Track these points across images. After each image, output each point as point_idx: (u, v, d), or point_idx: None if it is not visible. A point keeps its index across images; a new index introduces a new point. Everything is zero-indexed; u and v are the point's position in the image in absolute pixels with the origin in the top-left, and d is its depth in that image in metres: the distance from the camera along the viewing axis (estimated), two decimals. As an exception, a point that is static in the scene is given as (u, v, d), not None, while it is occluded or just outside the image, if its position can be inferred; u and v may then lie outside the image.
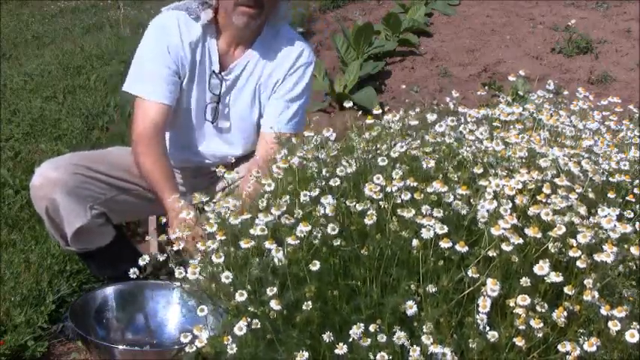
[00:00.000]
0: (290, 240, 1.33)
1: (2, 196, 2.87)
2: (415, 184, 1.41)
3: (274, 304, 1.29)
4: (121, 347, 1.93)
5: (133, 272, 1.54)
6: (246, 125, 2.14)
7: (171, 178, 2.01)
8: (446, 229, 1.32)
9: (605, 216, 1.37)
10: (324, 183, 1.48)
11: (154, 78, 2.03)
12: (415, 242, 1.32)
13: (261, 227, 1.37)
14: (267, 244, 1.34)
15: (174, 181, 2.02)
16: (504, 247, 1.29)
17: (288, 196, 1.46)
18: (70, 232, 2.03)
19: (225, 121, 2.13)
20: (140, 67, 2.07)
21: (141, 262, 1.50)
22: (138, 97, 2.05)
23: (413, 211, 1.34)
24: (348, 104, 1.95)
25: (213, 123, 2.12)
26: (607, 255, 1.28)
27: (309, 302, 1.30)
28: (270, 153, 1.84)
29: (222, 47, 2.08)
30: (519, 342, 1.25)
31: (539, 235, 1.31)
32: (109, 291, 2.11)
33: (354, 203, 1.40)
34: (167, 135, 2.13)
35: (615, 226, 1.35)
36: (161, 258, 1.54)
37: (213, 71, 2.07)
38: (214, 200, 1.54)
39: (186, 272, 1.41)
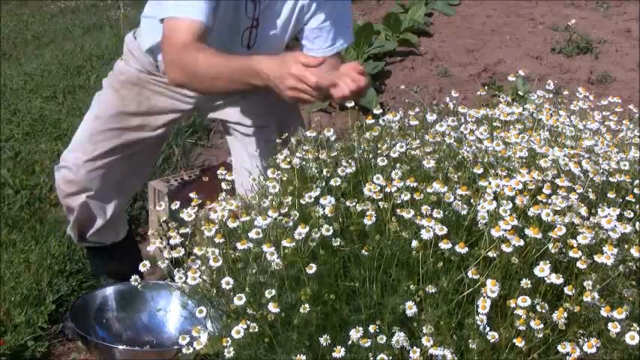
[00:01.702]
0: (285, 243, 1.33)
1: (2, 196, 2.88)
2: (415, 184, 1.41)
3: (272, 307, 1.29)
4: (121, 347, 1.93)
5: (134, 279, 1.54)
6: (277, 49, 2.00)
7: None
8: (445, 230, 1.32)
9: (606, 216, 1.37)
10: (324, 184, 1.48)
11: None
12: (415, 243, 1.32)
13: (257, 230, 1.37)
14: (265, 248, 1.34)
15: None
16: (504, 248, 1.28)
17: (290, 198, 1.46)
18: (95, 228, 2.07)
19: (258, 45, 1.96)
20: None
21: (142, 268, 1.49)
22: (168, 19, 1.76)
23: (412, 212, 1.34)
24: (349, 104, 1.94)
25: (249, 49, 1.94)
26: (607, 257, 1.28)
27: (307, 305, 1.29)
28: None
29: None
30: (519, 343, 1.25)
31: (539, 236, 1.31)
32: (109, 291, 2.11)
33: (354, 203, 1.40)
34: None
35: (615, 226, 1.35)
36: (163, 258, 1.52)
37: None
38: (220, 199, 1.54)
39: (186, 276, 1.41)
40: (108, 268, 2.27)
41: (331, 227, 1.35)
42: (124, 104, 2.02)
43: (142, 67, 2.02)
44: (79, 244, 2.18)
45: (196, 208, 1.52)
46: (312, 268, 1.31)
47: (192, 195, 1.56)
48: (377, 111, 1.72)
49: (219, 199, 1.54)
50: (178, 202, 1.58)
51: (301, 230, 1.34)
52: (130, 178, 2.12)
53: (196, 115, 2.99)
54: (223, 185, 1.59)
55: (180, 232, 1.49)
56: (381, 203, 1.39)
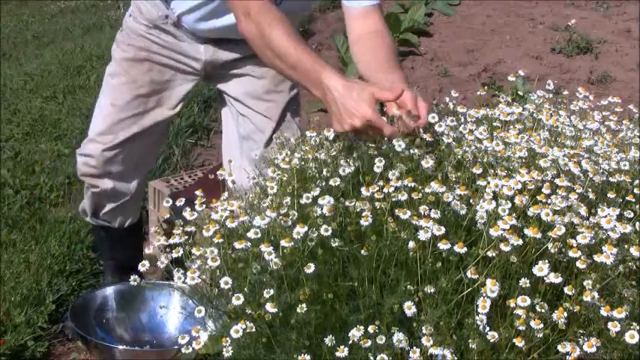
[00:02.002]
0: (284, 242, 1.33)
1: (2, 196, 2.88)
2: (413, 184, 1.41)
3: (270, 307, 1.29)
4: (121, 347, 1.94)
5: (133, 279, 1.54)
6: (302, 4, 1.98)
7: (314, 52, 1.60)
8: (443, 230, 1.31)
9: (605, 216, 1.37)
10: (323, 183, 1.48)
11: None
12: (411, 244, 1.31)
13: (255, 230, 1.37)
14: (263, 247, 1.34)
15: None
16: (503, 247, 1.28)
17: (288, 198, 1.46)
18: (117, 204, 2.13)
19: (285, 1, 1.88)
20: None
21: (141, 268, 1.49)
22: None
23: (409, 213, 1.33)
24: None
25: (279, 5, 1.81)
26: (607, 257, 1.28)
27: (304, 305, 1.29)
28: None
29: None
30: (519, 343, 1.25)
31: (538, 236, 1.31)
32: (109, 291, 2.12)
33: (353, 203, 1.40)
34: (203, 9, 1.90)
35: (615, 226, 1.34)
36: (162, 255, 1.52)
37: None
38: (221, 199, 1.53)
39: (185, 276, 1.41)
40: (110, 253, 2.30)
41: (330, 227, 1.35)
42: (136, 87, 2.04)
43: (149, 22, 2.03)
44: (91, 220, 2.22)
45: (203, 206, 1.51)
46: (310, 268, 1.31)
47: (197, 193, 1.56)
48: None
49: (221, 199, 1.53)
50: (184, 199, 1.58)
51: (299, 229, 1.34)
52: (148, 157, 2.20)
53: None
54: (229, 183, 1.58)
55: (183, 231, 1.49)
56: (377, 204, 1.39)
